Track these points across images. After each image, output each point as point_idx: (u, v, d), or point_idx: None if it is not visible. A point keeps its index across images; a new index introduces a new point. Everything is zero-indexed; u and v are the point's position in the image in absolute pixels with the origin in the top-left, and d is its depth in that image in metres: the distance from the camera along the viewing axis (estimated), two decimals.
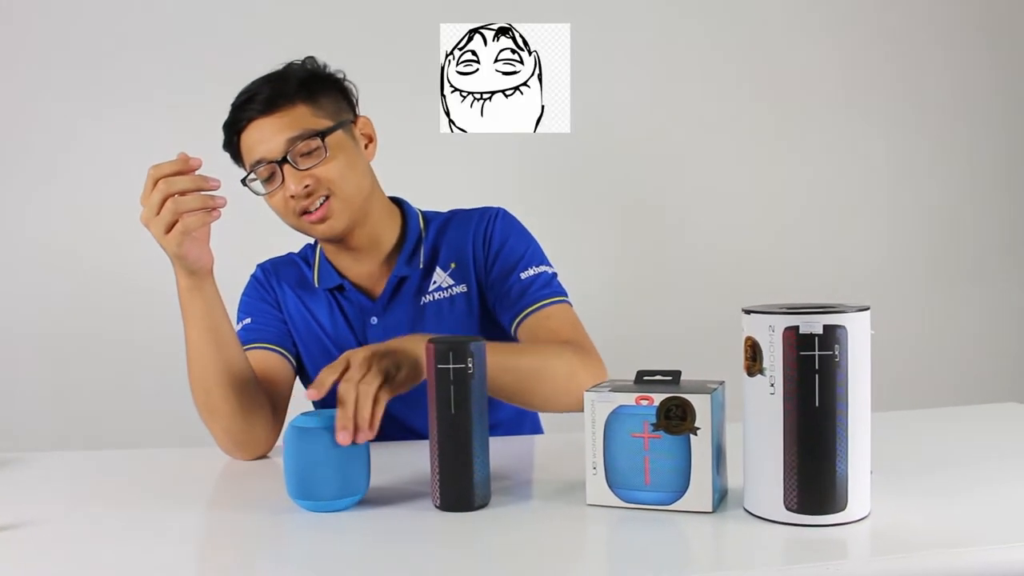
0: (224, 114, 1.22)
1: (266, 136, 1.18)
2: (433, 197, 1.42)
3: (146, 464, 1.19)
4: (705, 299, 2.50)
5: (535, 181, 2.45)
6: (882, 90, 2.64)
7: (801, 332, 0.76)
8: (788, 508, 0.77)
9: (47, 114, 2.30)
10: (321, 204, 1.20)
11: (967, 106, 2.69)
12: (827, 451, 0.76)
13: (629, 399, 0.84)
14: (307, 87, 1.21)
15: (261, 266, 1.39)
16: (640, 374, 0.89)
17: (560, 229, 2.43)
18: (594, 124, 2.46)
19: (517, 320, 1.25)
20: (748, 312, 0.80)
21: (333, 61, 1.28)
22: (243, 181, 1.21)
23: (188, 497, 1.00)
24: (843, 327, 0.75)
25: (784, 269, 2.58)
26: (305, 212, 1.20)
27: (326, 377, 0.92)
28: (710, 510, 0.82)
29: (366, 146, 1.29)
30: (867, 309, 0.78)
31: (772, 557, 0.73)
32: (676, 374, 0.88)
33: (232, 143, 1.23)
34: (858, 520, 0.78)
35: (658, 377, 0.88)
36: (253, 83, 1.22)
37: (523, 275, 1.27)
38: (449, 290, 1.29)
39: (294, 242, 1.40)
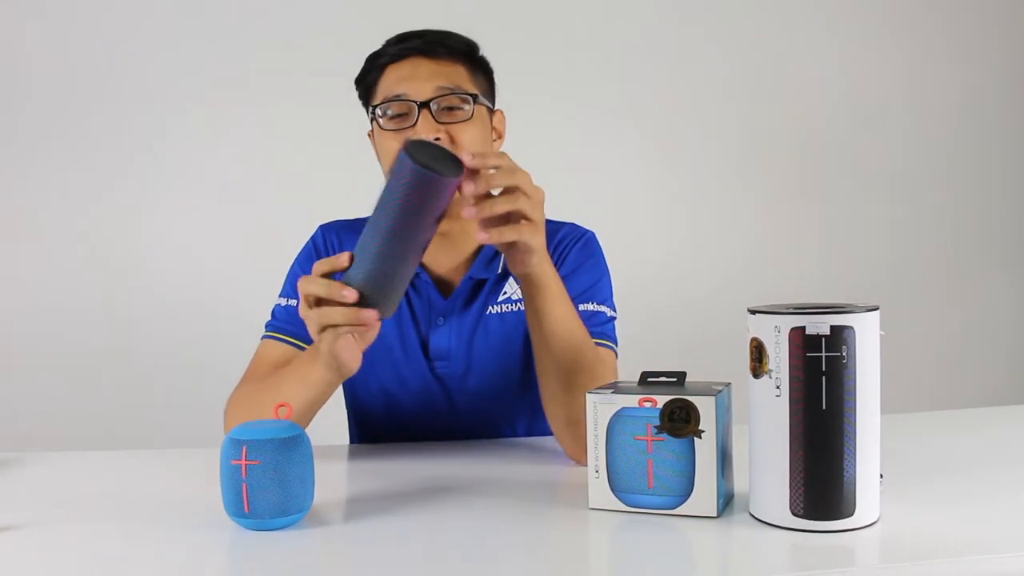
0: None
1: (419, 75, 1.16)
2: None
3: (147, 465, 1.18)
4: (718, 299, 2.48)
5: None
6: (886, 90, 2.61)
7: (807, 333, 0.74)
8: (794, 513, 0.75)
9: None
10: None
11: (971, 107, 2.66)
12: (834, 455, 0.74)
13: (632, 401, 0.82)
14: (471, 54, 1.21)
15: (323, 227, 1.31)
16: (644, 375, 0.87)
17: None
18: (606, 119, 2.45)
19: None
20: (753, 312, 0.78)
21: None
22: (373, 109, 1.19)
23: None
24: (851, 328, 0.73)
25: (794, 271, 2.56)
26: None
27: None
28: (714, 515, 0.80)
29: (494, 140, 1.25)
30: (876, 309, 0.76)
31: (777, 564, 0.71)
32: (681, 375, 0.86)
33: (371, 73, 1.20)
34: (866, 526, 0.75)
35: (662, 379, 0.86)
36: (419, 31, 1.20)
37: (581, 307, 1.17)
38: (519, 304, 1.23)
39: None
